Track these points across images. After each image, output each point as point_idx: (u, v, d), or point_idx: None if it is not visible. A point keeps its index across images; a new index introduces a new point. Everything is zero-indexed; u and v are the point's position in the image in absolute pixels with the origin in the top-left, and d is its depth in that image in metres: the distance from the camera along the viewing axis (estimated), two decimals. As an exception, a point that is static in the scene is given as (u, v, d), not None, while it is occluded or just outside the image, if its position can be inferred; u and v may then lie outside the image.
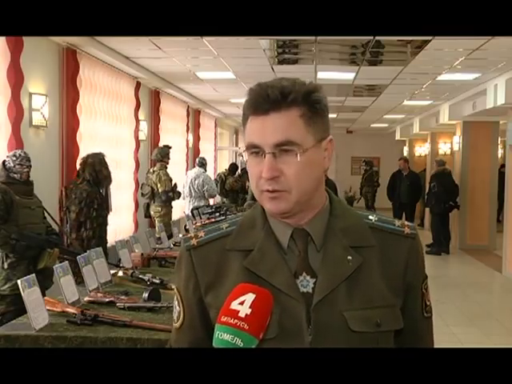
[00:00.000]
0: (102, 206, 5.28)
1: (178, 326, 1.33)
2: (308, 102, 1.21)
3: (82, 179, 5.24)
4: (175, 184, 8.32)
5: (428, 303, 1.34)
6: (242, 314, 1.10)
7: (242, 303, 1.11)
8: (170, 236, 5.82)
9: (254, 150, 1.22)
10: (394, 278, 1.26)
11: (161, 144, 9.22)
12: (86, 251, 3.79)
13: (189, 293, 1.30)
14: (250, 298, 1.12)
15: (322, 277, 1.23)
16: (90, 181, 5.20)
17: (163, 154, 8.21)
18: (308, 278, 1.23)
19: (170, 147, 8.45)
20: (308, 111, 1.21)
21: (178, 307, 1.33)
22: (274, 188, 1.20)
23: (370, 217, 1.31)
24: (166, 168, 8.22)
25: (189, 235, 1.34)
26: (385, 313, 1.24)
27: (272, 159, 1.19)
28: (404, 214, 12.89)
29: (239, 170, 12.02)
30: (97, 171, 5.22)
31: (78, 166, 5.64)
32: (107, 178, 5.35)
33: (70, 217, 5.16)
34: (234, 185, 11.33)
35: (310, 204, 1.25)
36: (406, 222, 1.32)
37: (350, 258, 1.24)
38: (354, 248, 1.25)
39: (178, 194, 8.41)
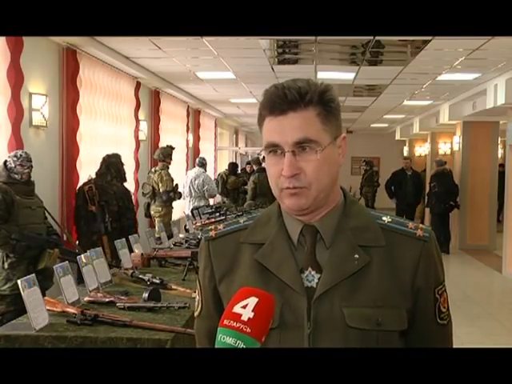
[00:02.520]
0: (131, 199, 6.13)
1: (197, 315, 1.43)
2: (323, 101, 1.25)
3: (110, 177, 5.93)
4: (176, 184, 8.32)
5: (444, 310, 1.32)
6: (244, 318, 1.10)
7: (244, 307, 1.12)
8: (170, 236, 5.82)
9: (273, 148, 1.25)
10: (402, 280, 1.26)
11: (163, 144, 9.21)
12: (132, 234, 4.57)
13: (205, 281, 1.38)
14: (252, 301, 1.12)
15: (326, 272, 1.25)
16: (117, 177, 5.95)
17: (165, 154, 8.22)
18: (313, 273, 1.26)
19: (173, 148, 8.46)
20: (323, 110, 1.25)
21: (197, 296, 1.43)
22: (295, 185, 1.23)
23: (384, 218, 1.32)
24: (168, 168, 8.22)
25: (210, 227, 1.41)
26: (388, 312, 1.24)
27: (292, 157, 1.23)
28: (406, 215, 12.93)
29: (239, 170, 12.03)
30: (119, 169, 6.01)
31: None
32: (125, 175, 6.16)
33: (110, 210, 5.79)
34: (235, 183, 11.32)
35: (325, 201, 1.28)
36: (421, 225, 1.31)
37: (356, 256, 1.26)
38: (363, 247, 1.27)
39: (179, 195, 8.42)
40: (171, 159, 8.31)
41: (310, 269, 1.27)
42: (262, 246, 1.30)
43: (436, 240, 1.32)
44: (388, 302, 1.25)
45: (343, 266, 1.25)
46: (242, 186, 11.36)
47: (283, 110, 1.23)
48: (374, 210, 1.37)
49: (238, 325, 1.09)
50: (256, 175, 9.80)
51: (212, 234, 1.38)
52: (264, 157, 1.29)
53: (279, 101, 1.23)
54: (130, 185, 8.49)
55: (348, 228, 1.29)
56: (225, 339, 1.09)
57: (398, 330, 1.26)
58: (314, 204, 1.26)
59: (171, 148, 8.36)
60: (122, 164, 6.18)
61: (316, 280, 1.25)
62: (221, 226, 1.38)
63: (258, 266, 1.29)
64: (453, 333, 1.37)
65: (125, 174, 6.19)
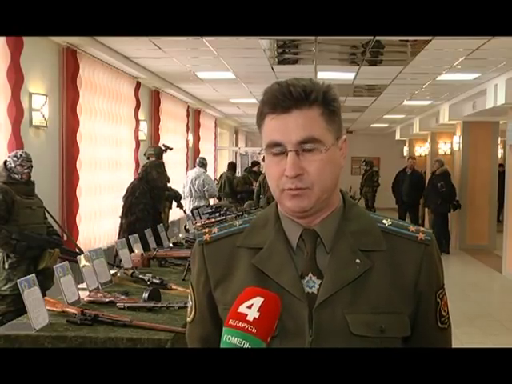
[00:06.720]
0: (144, 196, 6.19)
1: (189, 321, 1.38)
2: (326, 100, 1.22)
3: (139, 177, 6.30)
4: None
5: (444, 314, 1.30)
6: (250, 318, 1.09)
7: (250, 307, 1.11)
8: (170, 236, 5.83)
9: (276, 148, 1.21)
10: (404, 284, 1.24)
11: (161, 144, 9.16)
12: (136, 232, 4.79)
13: (200, 287, 1.33)
14: (258, 301, 1.12)
15: (328, 278, 1.21)
16: (141, 178, 6.22)
17: (150, 153, 8.18)
18: (314, 278, 1.22)
19: (169, 148, 8.39)
20: (327, 110, 1.22)
21: (190, 302, 1.37)
22: (297, 186, 1.19)
23: (384, 221, 1.29)
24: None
25: (203, 230, 1.36)
26: (390, 319, 1.21)
27: (295, 157, 1.19)
28: (408, 214, 12.98)
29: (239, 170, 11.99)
30: (147, 172, 6.24)
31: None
32: (155, 180, 6.32)
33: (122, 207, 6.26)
34: (244, 181, 11.27)
35: (327, 203, 1.25)
36: (422, 228, 1.28)
37: (358, 261, 1.22)
38: (364, 252, 1.23)
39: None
40: (159, 159, 8.18)
41: (310, 274, 1.23)
42: (260, 250, 1.26)
43: (437, 242, 1.30)
44: (391, 308, 1.22)
45: (345, 272, 1.21)
46: (248, 186, 11.30)
47: (287, 107, 1.19)
48: (373, 213, 1.33)
49: (243, 325, 1.09)
50: (262, 176, 9.82)
51: (206, 237, 1.32)
52: (264, 157, 1.24)
53: (283, 98, 1.18)
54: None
55: (348, 232, 1.25)
56: (230, 339, 1.09)
57: (401, 336, 1.23)
58: (316, 205, 1.22)
59: (164, 148, 8.27)
60: (155, 168, 6.32)
61: (317, 286, 1.21)
62: (215, 230, 1.33)
63: (255, 271, 1.24)
64: (452, 336, 1.35)
65: (153, 177, 6.26)
